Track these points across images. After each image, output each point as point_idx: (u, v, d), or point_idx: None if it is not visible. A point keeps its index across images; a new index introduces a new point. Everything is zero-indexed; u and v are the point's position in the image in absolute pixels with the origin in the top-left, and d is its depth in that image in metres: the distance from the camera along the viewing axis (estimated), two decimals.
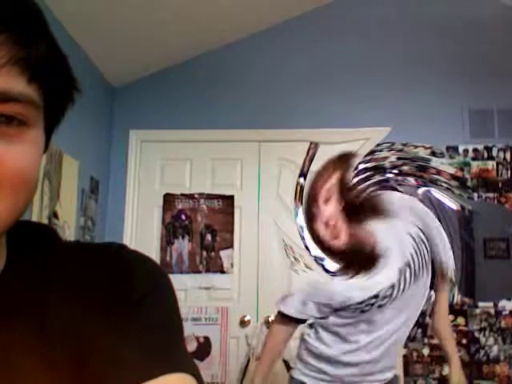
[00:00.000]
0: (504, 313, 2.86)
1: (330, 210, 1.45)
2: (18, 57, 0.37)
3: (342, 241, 1.45)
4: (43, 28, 0.42)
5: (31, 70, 0.38)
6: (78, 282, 0.46)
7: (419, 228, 1.57)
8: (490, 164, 3.02)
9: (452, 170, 3.03)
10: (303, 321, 1.65)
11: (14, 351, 0.41)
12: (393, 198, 1.61)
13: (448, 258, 1.65)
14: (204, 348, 2.86)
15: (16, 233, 0.46)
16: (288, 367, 2.67)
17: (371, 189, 1.51)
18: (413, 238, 1.54)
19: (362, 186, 1.51)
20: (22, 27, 0.38)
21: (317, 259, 3.00)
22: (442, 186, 3.04)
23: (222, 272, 3.00)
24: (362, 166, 3.08)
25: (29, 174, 0.39)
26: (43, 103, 0.41)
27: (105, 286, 0.46)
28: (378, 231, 1.51)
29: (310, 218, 1.50)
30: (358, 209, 1.51)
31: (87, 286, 0.46)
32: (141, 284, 0.48)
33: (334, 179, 1.50)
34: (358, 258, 1.47)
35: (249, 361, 2.82)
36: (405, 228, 1.55)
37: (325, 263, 2.98)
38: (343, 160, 1.56)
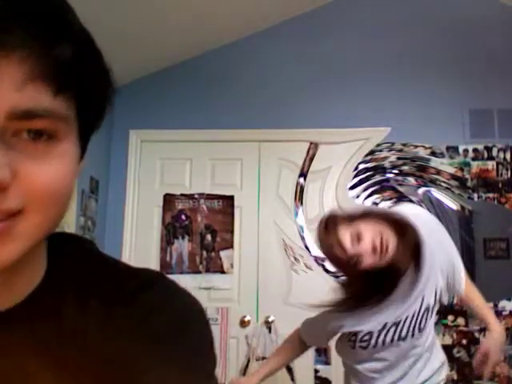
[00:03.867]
0: (504, 313, 2.86)
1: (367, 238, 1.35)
2: (41, 71, 0.35)
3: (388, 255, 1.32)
4: (68, 24, 0.38)
5: (57, 82, 0.36)
6: (119, 306, 0.47)
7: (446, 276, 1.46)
8: (490, 164, 3.02)
9: (452, 170, 3.03)
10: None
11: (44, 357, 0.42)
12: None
13: (461, 281, 1.56)
14: None
15: (56, 243, 0.47)
16: (288, 368, 2.67)
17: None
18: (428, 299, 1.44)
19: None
20: (43, 32, 0.36)
21: (317, 259, 3.01)
22: (441, 185, 3.04)
23: (222, 272, 3.00)
24: (362, 166, 3.09)
25: (59, 190, 0.38)
26: (75, 111, 0.40)
27: (147, 315, 0.47)
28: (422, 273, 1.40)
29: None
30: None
31: (128, 311, 0.47)
32: (182, 317, 0.49)
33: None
34: (386, 279, 1.35)
35: (249, 361, 2.81)
36: (433, 282, 1.45)
37: (325, 263, 2.98)
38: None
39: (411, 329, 1.44)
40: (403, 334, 1.44)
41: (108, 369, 0.44)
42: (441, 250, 1.46)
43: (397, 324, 1.43)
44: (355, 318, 1.45)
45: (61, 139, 0.38)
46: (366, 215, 1.39)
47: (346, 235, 1.34)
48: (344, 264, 1.36)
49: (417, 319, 1.43)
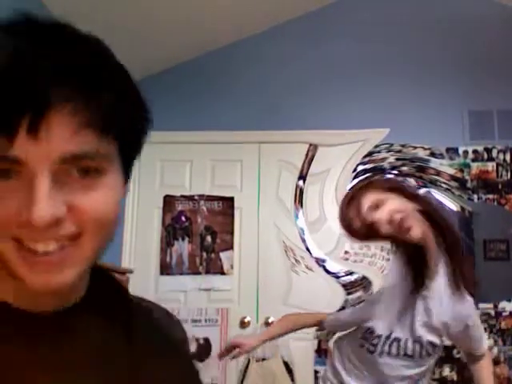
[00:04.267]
0: (504, 314, 2.86)
1: (391, 207, 1.31)
2: (88, 120, 0.41)
3: (416, 234, 1.30)
4: (108, 73, 0.45)
5: (101, 127, 0.43)
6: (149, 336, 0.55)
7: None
8: (490, 165, 3.02)
9: (452, 171, 3.03)
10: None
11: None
12: None
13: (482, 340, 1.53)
14: (204, 349, 2.86)
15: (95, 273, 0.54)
16: (288, 369, 2.67)
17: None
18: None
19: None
20: (87, 84, 0.42)
21: (318, 261, 3.01)
22: (441, 186, 3.04)
23: (222, 273, 3.00)
24: (360, 168, 3.09)
25: (107, 218, 0.45)
26: (118, 147, 0.46)
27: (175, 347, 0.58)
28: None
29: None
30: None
31: (159, 344, 0.55)
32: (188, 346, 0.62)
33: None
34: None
35: (249, 362, 2.81)
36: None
37: (326, 264, 2.99)
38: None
39: (417, 351, 1.43)
40: (408, 351, 1.43)
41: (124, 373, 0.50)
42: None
43: (399, 340, 1.43)
44: (382, 316, 1.45)
45: (106, 174, 0.45)
46: (403, 191, 1.37)
47: (367, 200, 1.33)
48: (357, 230, 1.35)
49: (422, 346, 1.42)
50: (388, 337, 1.43)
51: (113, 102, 0.43)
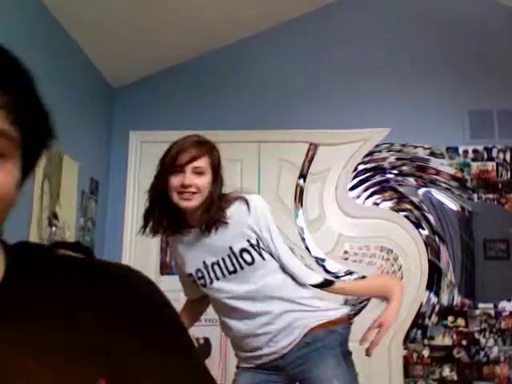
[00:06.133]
0: (504, 314, 2.86)
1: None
2: (4, 102, 0.46)
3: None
4: (29, 84, 0.51)
5: (14, 114, 0.47)
6: (86, 300, 0.53)
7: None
8: (490, 165, 3.02)
9: (452, 171, 3.03)
10: None
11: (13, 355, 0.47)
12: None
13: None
14: (204, 349, 2.86)
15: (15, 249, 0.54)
16: None
17: None
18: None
19: None
20: (10, 80, 0.48)
21: (317, 260, 3.01)
22: (441, 186, 3.04)
23: None
24: (361, 167, 3.09)
25: (5, 195, 0.48)
26: (21, 143, 0.50)
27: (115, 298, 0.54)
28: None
29: None
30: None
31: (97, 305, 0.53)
32: (156, 309, 0.57)
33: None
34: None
35: None
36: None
37: (326, 264, 2.99)
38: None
39: (236, 264, 1.54)
40: (230, 268, 1.55)
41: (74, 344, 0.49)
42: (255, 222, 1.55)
43: (217, 263, 1.56)
44: (184, 260, 1.63)
45: (8, 158, 0.48)
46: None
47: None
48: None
49: (237, 257, 1.54)
50: (206, 265, 1.57)
51: (28, 99, 0.49)
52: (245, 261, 1.54)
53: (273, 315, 1.54)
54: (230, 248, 1.54)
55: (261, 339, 1.55)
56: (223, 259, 1.56)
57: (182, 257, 1.66)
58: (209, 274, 1.58)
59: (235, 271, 1.55)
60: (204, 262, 1.58)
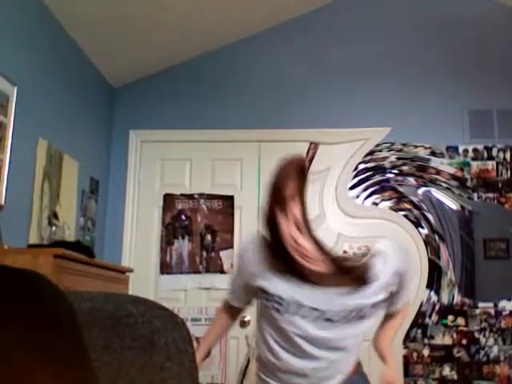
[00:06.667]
0: (504, 313, 2.86)
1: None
2: None
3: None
4: None
5: None
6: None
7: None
8: (490, 164, 3.02)
9: (452, 170, 3.03)
10: None
11: None
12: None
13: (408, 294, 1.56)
14: None
15: None
16: None
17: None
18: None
19: None
20: None
21: None
22: (441, 185, 3.04)
23: (222, 272, 3.00)
24: (361, 166, 3.09)
25: None
26: None
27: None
28: None
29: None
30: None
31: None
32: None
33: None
34: None
35: (249, 361, 2.81)
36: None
37: None
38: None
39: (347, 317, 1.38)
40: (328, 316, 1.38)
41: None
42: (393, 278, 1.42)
43: (317, 310, 1.38)
44: (265, 276, 1.43)
45: None
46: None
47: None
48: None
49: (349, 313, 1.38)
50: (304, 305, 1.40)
51: None
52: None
53: (329, 361, 1.44)
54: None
55: (307, 379, 1.46)
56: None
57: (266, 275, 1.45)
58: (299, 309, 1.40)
59: (331, 320, 1.39)
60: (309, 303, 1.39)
